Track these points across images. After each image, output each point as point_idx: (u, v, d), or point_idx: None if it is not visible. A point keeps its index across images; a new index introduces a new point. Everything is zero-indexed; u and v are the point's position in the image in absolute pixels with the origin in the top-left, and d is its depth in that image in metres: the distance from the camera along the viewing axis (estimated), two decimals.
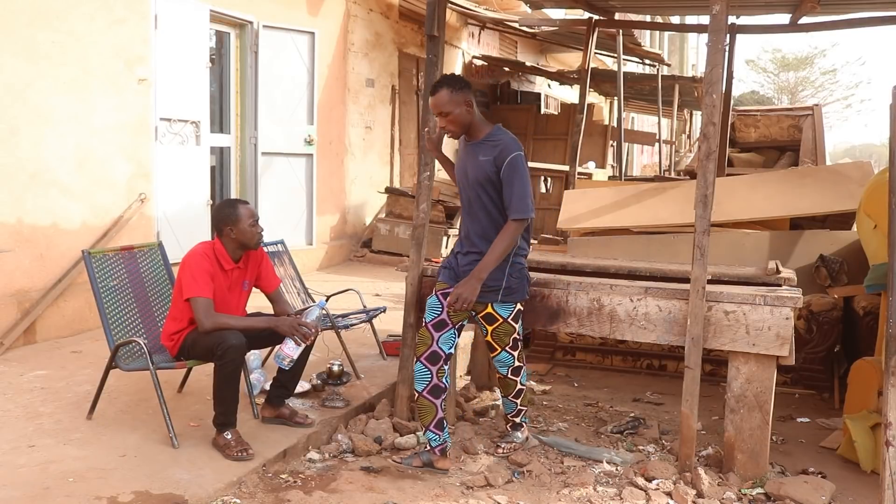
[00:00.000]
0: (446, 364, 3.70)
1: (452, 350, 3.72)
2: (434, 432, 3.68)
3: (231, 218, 3.85)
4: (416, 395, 3.70)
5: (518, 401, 4.04)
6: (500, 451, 4.00)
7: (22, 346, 5.16)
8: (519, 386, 3.99)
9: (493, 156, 3.56)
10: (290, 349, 3.74)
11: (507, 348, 3.84)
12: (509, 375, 3.94)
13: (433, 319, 3.69)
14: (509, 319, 3.75)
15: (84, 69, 5.51)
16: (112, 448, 3.60)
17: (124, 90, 5.86)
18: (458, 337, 3.78)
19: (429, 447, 3.70)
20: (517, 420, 4.10)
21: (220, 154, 7.48)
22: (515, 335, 3.82)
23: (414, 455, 3.71)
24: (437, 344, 3.66)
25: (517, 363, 3.92)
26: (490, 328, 3.76)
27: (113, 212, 5.85)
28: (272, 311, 4.12)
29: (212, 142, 6.95)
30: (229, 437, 3.63)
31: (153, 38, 6.07)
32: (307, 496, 3.40)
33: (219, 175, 7.53)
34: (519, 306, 3.78)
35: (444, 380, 3.69)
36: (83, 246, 5.08)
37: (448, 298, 3.58)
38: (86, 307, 5.48)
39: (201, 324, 3.67)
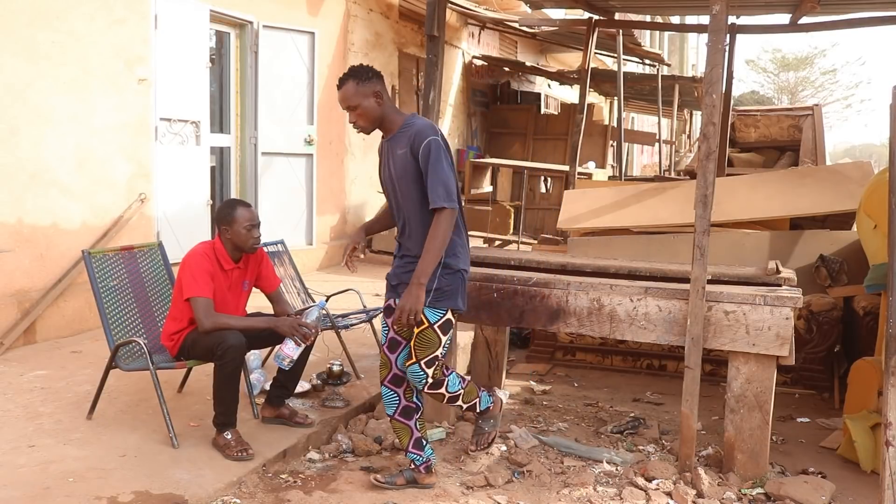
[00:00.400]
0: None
1: None
2: (414, 453, 3.54)
3: (227, 219, 3.84)
4: (389, 418, 3.57)
5: (459, 402, 3.54)
6: (473, 449, 3.67)
7: (22, 346, 5.16)
8: (448, 394, 3.45)
9: (409, 147, 3.25)
10: (290, 349, 3.74)
11: (421, 363, 3.32)
12: (427, 391, 3.41)
13: (385, 342, 3.52)
14: (435, 326, 3.30)
15: (84, 69, 5.51)
16: (112, 448, 3.60)
17: (124, 90, 5.86)
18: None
19: (412, 465, 3.56)
20: (476, 410, 3.61)
21: (220, 154, 7.48)
22: (437, 352, 3.33)
23: (398, 474, 3.57)
24: (396, 366, 3.49)
25: (432, 380, 3.36)
26: (416, 331, 3.31)
27: (113, 212, 5.84)
28: (272, 311, 4.12)
29: (212, 142, 6.95)
30: (229, 437, 3.63)
31: (153, 38, 6.07)
32: (307, 496, 3.40)
33: (219, 175, 7.53)
34: (449, 316, 3.34)
35: (413, 399, 3.53)
36: (83, 246, 5.08)
37: (393, 315, 3.27)
38: (86, 307, 5.48)
39: (201, 324, 3.66)
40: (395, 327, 3.37)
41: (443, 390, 3.43)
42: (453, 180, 3.25)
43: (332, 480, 3.61)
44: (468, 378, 3.56)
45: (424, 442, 3.58)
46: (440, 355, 3.35)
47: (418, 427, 3.56)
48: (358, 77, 3.31)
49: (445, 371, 3.43)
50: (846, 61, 79.78)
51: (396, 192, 3.38)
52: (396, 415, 3.53)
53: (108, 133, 5.75)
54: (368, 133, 3.45)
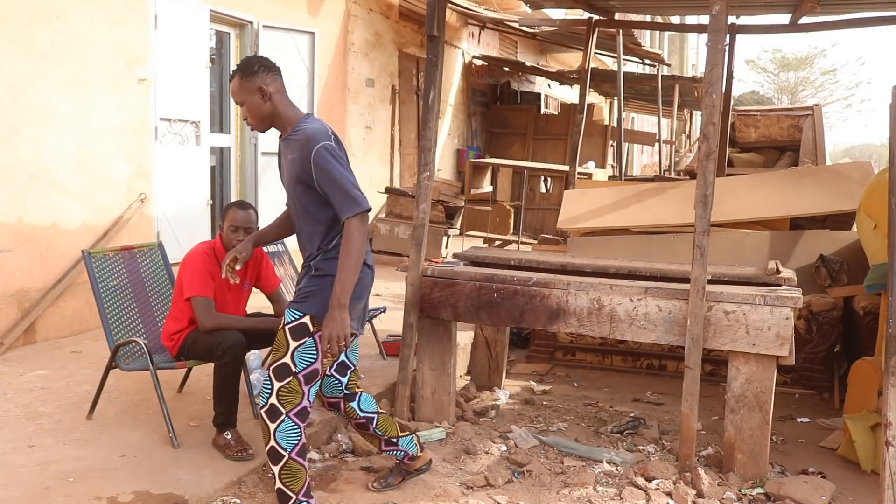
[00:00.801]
0: (351, 402, 3.41)
1: (347, 384, 3.39)
2: (389, 449, 3.53)
3: (222, 216, 3.89)
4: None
5: (275, 468, 3.00)
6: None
7: (22, 345, 5.16)
8: (273, 440, 2.96)
9: (299, 154, 2.95)
10: None
11: (271, 370, 2.99)
12: (262, 411, 2.99)
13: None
14: (287, 328, 2.97)
15: (84, 69, 5.51)
16: (112, 448, 3.60)
17: (124, 90, 5.86)
18: (352, 365, 3.40)
19: (396, 460, 3.58)
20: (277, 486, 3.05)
21: (220, 154, 7.48)
22: (287, 361, 2.95)
23: (389, 474, 3.56)
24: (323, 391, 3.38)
25: (274, 400, 2.95)
26: (280, 328, 3.05)
27: (113, 212, 5.84)
28: (271, 311, 4.12)
29: (212, 142, 6.95)
30: (229, 436, 3.63)
31: (153, 38, 6.07)
32: None
33: (219, 175, 7.53)
34: (307, 321, 2.96)
35: (359, 415, 3.42)
36: (83, 246, 5.08)
37: (322, 347, 2.91)
38: (86, 307, 5.48)
39: (201, 323, 3.67)
40: (326, 359, 3.04)
41: (272, 427, 2.96)
42: (352, 182, 2.94)
43: (332, 480, 3.61)
44: (306, 463, 3.06)
45: (395, 439, 3.53)
46: (290, 368, 2.94)
47: (380, 432, 3.49)
48: (243, 72, 3.05)
49: (294, 415, 2.97)
50: (846, 61, 79.86)
51: (290, 195, 3.11)
52: (355, 428, 3.53)
53: (108, 133, 5.75)
54: (262, 132, 3.18)
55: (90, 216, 5.65)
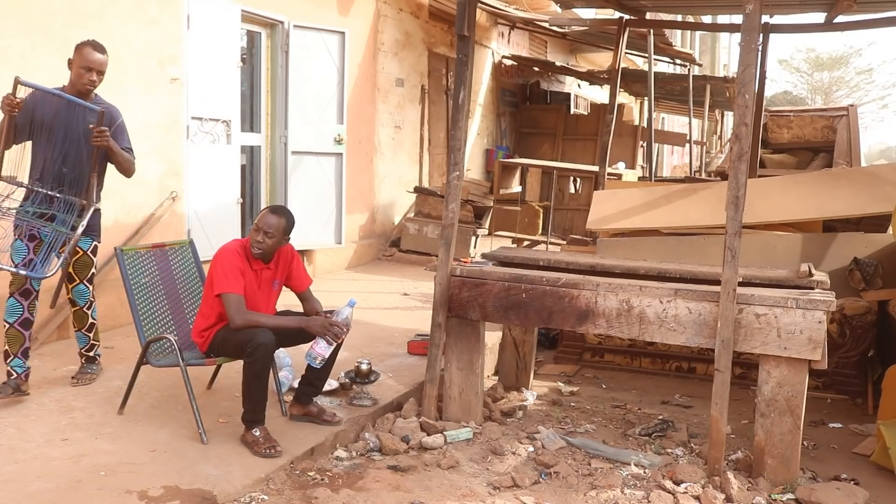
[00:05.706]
0: (36, 299, 4.18)
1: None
2: (20, 359, 4.15)
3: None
4: (7, 325, 4.12)
5: (91, 335, 4.50)
6: (74, 382, 4.40)
7: (55, 341, 5.24)
8: (91, 320, 4.47)
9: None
10: (321, 348, 3.77)
11: (84, 281, 4.37)
12: (85, 308, 4.43)
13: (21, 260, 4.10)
14: (88, 252, 4.33)
15: (118, 69, 5.56)
16: (142, 443, 3.64)
17: (156, 89, 5.92)
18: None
19: (15, 374, 4.10)
20: (91, 354, 4.54)
21: (251, 153, 7.54)
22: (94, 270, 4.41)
23: (3, 386, 4.02)
24: (30, 282, 4.10)
25: (92, 298, 4.45)
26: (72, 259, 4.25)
27: (145, 210, 5.91)
28: (300, 308, 4.14)
29: (242, 141, 7.01)
30: (258, 433, 3.66)
31: (185, 38, 6.14)
32: (334, 494, 3.41)
33: (249, 174, 7.59)
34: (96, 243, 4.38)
35: (33, 313, 4.18)
36: (115, 243, 5.12)
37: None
38: (118, 303, 5.55)
39: (232, 320, 3.69)
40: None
41: (90, 312, 4.47)
42: None
43: (359, 479, 3.63)
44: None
45: (30, 353, 4.24)
46: (95, 272, 4.45)
47: (30, 338, 4.23)
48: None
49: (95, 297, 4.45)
50: (883, 60, 78.05)
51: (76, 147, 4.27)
52: (17, 324, 4.11)
53: (141, 132, 5.80)
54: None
55: (122, 214, 5.72)
